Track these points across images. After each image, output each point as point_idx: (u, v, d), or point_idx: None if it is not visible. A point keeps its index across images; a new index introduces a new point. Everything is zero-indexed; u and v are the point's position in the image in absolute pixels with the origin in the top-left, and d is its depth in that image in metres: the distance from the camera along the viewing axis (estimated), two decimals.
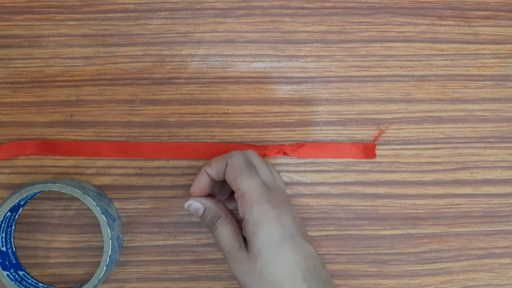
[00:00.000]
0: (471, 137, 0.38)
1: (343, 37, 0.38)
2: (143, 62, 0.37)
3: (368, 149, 0.37)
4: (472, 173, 0.38)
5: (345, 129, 0.37)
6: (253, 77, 0.37)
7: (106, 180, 0.37)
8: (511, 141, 0.38)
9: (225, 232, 0.31)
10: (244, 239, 0.30)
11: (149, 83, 0.37)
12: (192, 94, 0.37)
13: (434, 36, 0.38)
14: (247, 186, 0.30)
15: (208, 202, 0.33)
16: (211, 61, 0.37)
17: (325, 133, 0.37)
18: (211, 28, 0.37)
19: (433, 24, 0.38)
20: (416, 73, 0.38)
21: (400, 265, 0.37)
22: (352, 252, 0.37)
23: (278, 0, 0.38)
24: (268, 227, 0.29)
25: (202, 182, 0.33)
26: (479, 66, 0.38)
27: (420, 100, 0.38)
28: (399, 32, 0.38)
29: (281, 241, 0.29)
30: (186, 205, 0.33)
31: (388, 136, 0.38)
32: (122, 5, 0.37)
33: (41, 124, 0.37)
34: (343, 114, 0.37)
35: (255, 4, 0.38)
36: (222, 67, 0.37)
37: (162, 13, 0.37)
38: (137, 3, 0.37)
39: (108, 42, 0.37)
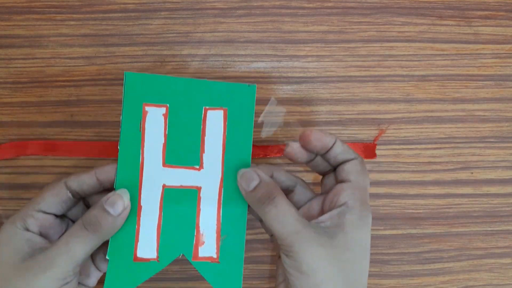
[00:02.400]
0: (471, 137, 0.38)
1: (343, 37, 0.38)
2: (144, 62, 0.37)
3: (368, 149, 0.37)
4: (472, 173, 0.38)
5: (345, 129, 0.37)
6: (254, 77, 0.37)
7: None
8: (511, 141, 0.38)
9: (286, 212, 0.27)
10: None
11: None
12: None
13: (434, 36, 0.38)
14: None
15: (266, 176, 0.29)
16: (212, 61, 0.37)
17: None
18: (211, 28, 0.37)
19: (434, 24, 0.38)
20: (417, 73, 0.38)
21: (400, 265, 0.37)
22: None
23: (278, 0, 0.38)
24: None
25: (325, 140, 0.29)
26: (479, 66, 0.38)
27: (420, 100, 0.38)
28: (399, 32, 0.38)
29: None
30: (240, 172, 0.29)
31: (388, 136, 0.38)
32: (122, 5, 0.37)
33: (41, 124, 0.37)
34: (344, 114, 0.38)
35: (255, 4, 0.38)
36: (223, 67, 0.37)
37: (163, 13, 0.37)
38: (138, 3, 0.37)
39: (109, 42, 0.37)
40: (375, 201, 0.37)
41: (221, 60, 0.37)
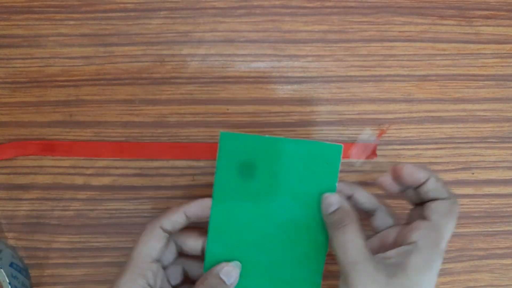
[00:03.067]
0: (472, 137, 0.38)
1: (343, 36, 0.38)
2: (143, 61, 0.37)
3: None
4: (473, 173, 0.38)
5: (345, 129, 0.37)
6: (254, 77, 0.37)
7: (106, 180, 0.37)
8: None
9: (353, 241, 0.27)
10: None
11: (149, 83, 0.37)
12: (192, 94, 0.37)
13: (435, 35, 0.38)
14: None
15: (345, 202, 0.30)
16: (211, 60, 0.37)
17: (325, 133, 0.37)
18: (211, 27, 0.37)
19: (434, 24, 0.38)
20: (417, 73, 0.38)
21: None
22: None
23: None
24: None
25: (418, 176, 0.30)
26: (480, 66, 0.38)
27: (421, 100, 0.38)
28: (400, 31, 0.38)
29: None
30: (325, 196, 0.30)
31: (389, 136, 0.37)
32: (121, 5, 0.37)
33: (40, 124, 0.37)
34: (344, 114, 0.37)
35: (255, 3, 0.37)
36: (222, 67, 0.37)
37: (162, 12, 0.37)
38: (137, 3, 0.37)
39: (108, 42, 0.37)
40: None
41: (221, 60, 0.37)
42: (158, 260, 0.30)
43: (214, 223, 0.31)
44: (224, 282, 0.29)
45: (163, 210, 0.32)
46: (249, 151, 0.31)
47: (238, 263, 0.31)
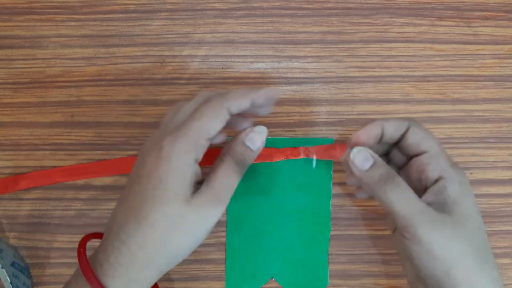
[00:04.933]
0: (470, 138, 0.38)
1: (343, 37, 0.38)
2: (144, 62, 0.37)
3: None
4: (472, 173, 0.38)
5: (345, 130, 0.37)
6: (254, 78, 0.37)
7: (107, 181, 0.37)
8: (510, 142, 0.38)
9: (407, 191, 0.27)
10: None
11: (150, 84, 0.37)
12: (192, 95, 0.37)
13: (433, 36, 0.38)
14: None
15: (378, 157, 0.29)
16: (212, 61, 0.37)
17: (325, 134, 0.37)
18: (211, 28, 0.37)
19: (433, 25, 0.38)
20: (416, 73, 0.38)
21: (400, 265, 0.37)
22: (352, 252, 0.37)
23: (278, 0, 0.38)
24: (471, 196, 0.28)
25: (373, 133, 0.29)
26: (479, 67, 0.38)
27: (420, 100, 0.38)
28: (398, 32, 0.38)
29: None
30: (355, 150, 0.29)
31: None
32: (122, 6, 0.37)
33: (41, 124, 0.37)
34: (343, 115, 0.38)
35: (255, 4, 0.38)
36: (223, 68, 0.37)
37: (163, 14, 0.37)
38: (138, 4, 0.37)
39: (109, 43, 0.37)
40: (375, 201, 0.37)
41: (221, 61, 0.37)
42: (211, 140, 0.28)
43: (231, 218, 0.36)
44: (250, 148, 0.29)
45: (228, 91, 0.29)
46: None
47: (263, 127, 0.30)
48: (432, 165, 0.28)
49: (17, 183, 0.36)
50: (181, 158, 0.26)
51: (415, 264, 0.27)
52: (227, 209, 0.34)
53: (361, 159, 0.28)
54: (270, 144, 0.36)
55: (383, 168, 0.28)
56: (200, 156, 0.27)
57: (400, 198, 0.27)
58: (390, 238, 0.37)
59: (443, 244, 0.26)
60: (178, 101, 0.30)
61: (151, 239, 0.25)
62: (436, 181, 0.28)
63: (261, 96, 0.28)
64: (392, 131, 0.29)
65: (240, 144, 0.29)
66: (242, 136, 0.29)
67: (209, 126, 0.27)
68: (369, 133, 0.29)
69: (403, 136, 0.29)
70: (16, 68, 0.37)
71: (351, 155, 0.28)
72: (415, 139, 0.29)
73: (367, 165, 0.28)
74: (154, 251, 0.26)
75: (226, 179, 0.27)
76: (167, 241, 0.26)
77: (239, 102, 0.28)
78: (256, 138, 0.29)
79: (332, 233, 0.37)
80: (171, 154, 0.26)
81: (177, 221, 0.26)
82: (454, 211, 0.27)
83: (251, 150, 0.29)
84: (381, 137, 0.29)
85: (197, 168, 0.27)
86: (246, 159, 0.28)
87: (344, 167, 0.32)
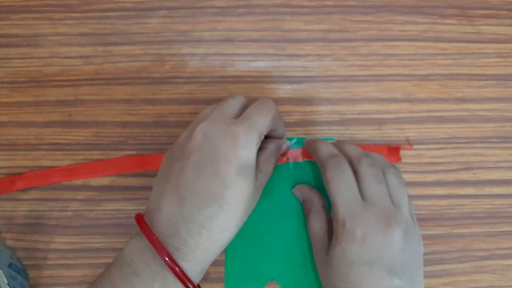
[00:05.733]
0: (473, 137, 0.38)
1: (344, 36, 0.37)
2: (142, 61, 0.37)
3: (392, 152, 0.37)
4: (474, 173, 0.38)
5: (346, 129, 0.37)
6: (254, 76, 0.37)
7: (105, 181, 0.36)
8: None
9: (315, 225, 0.32)
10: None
11: (148, 83, 0.37)
12: (191, 94, 0.37)
13: (436, 35, 0.38)
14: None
15: (307, 191, 0.35)
16: (211, 60, 0.37)
17: (326, 133, 0.37)
18: (210, 26, 0.37)
19: (435, 23, 0.38)
20: (418, 72, 0.38)
21: None
22: None
23: None
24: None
25: None
26: (482, 66, 0.38)
27: (422, 99, 0.37)
28: (401, 31, 0.38)
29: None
30: (292, 190, 0.35)
31: (390, 136, 0.37)
32: (120, 4, 0.37)
33: (38, 124, 0.37)
34: (345, 114, 0.37)
35: (255, 2, 0.37)
36: (222, 66, 0.37)
37: (161, 11, 0.37)
38: (136, 2, 0.37)
39: (107, 41, 0.37)
40: None
41: (221, 59, 0.37)
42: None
43: None
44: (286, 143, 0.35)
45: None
46: None
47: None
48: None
49: (14, 184, 0.36)
50: (254, 147, 0.28)
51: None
52: None
53: (297, 197, 0.36)
54: None
55: (305, 203, 0.35)
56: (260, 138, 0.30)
57: (309, 233, 0.34)
58: None
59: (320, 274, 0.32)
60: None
61: (233, 223, 0.27)
62: None
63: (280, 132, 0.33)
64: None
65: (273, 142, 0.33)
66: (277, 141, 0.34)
67: (269, 124, 0.29)
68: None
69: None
70: (13, 67, 0.37)
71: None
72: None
73: (301, 200, 0.35)
74: (233, 234, 0.28)
75: (269, 163, 0.31)
76: (243, 223, 0.28)
77: (276, 119, 0.31)
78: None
79: None
80: (248, 142, 0.27)
81: (252, 205, 0.29)
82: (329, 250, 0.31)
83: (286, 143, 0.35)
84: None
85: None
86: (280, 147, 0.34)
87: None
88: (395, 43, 0.38)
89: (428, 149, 0.37)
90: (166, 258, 0.26)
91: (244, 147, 0.27)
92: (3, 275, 0.32)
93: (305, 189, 0.35)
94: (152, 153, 0.36)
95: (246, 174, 0.27)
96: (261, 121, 0.29)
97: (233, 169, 0.27)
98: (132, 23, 0.37)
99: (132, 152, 0.36)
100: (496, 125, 0.38)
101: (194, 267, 0.27)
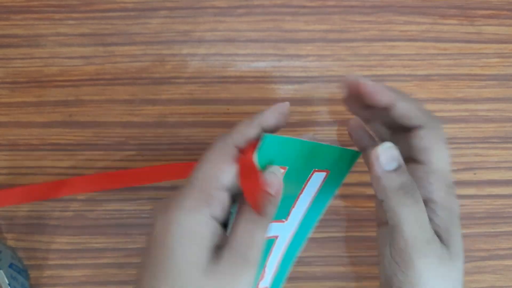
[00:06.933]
0: (474, 137, 0.38)
1: (345, 36, 0.37)
2: (143, 61, 0.37)
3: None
4: (475, 173, 0.37)
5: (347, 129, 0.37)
6: (254, 77, 0.37)
7: None
8: None
9: (423, 213, 0.24)
10: None
11: (149, 83, 0.37)
12: (192, 94, 0.37)
13: (437, 35, 0.38)
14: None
15: (403, 161, 0.25)
16: (212, 60, 0.37)
17: (327, 133, 0.37)
18: (211, 27, 0.37)
19: (436, 23, 0.38)
20: (419, 72, 0.37)
21: None
22: (355, 254, 0.37)
23: None
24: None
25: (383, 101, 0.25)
26: (483, 66, 0.38)
27: (423, 99, 0.37)
28: (401, 31, 0.38)
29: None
30: (385, 145, 0.25)
31: None
32: (121, 4, 0.37)
33: (39, 124, 0.37)
34: (345, 114, 0.37)
35: (256, 3, 0.37)
36: (223, 67, 0.37)
37: (162, 12, 0.37)
38: (137, 2, 0.37)
39: (107, 42, 0.37)
40: None
41: (221, 60, 0.37)
42: (228, 188, 0.23)
43: None
44: (269, 193, 0.24)
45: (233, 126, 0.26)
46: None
47: (276, 167, 0.26)
48: (433, 185, 0.25)
49: (59, 190, 0.34)
50: (191, 218, 0.22)
51: (392, 283, 0.25)
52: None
53: (389, 157, 0.24)
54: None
55: (407, 176, 0.24)
56: (217, 210, 0.23)
57: (413, 219, 0.23)
58: None
59: (434, 281, 0.23)
60: None
61: None
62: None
63: (268, 118, 0.25)
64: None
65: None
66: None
67: (218, 171, 0.23)
68: (377, 96, 0.25)
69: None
70: (14, 67, 0.37)
71: (379, 149, 0.24)
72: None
73: (392, 166, 0.24)
74: None
75: (249, 235, 0.23)
76: None
77: (246, 133, 0.24)
78: (273, 181, 0.25)
79: (334, 234, 0.37)
80: (178, 215, 0.22)
81: None
82: (450, 245, 0.24)
83: (272, 197, 0.24)
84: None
85: (216, 227, 0.23)
86: (269, 209, 0.24)
87: (363, 159, 0.29)
88: (396, 43, 0.37)
89: None
90: None
91: (176, 224, 0.22)
92: (4, 275, 0.32)
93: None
94: (153, 153, 0.36)
95: (179, 261, 0.21)
96: (202, 175, 0.23)
97: (161, 256, 0.22)
98: (133, 23, 0.37)
99: (133, 153, 0.36)
100: (497, 125, 0.38)
101: None
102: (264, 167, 0.26)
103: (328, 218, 0.37)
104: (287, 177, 0.28)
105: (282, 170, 0.27)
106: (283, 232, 0.32)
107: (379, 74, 0.37)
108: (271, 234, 0.31)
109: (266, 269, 0.32)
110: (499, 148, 0.38)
